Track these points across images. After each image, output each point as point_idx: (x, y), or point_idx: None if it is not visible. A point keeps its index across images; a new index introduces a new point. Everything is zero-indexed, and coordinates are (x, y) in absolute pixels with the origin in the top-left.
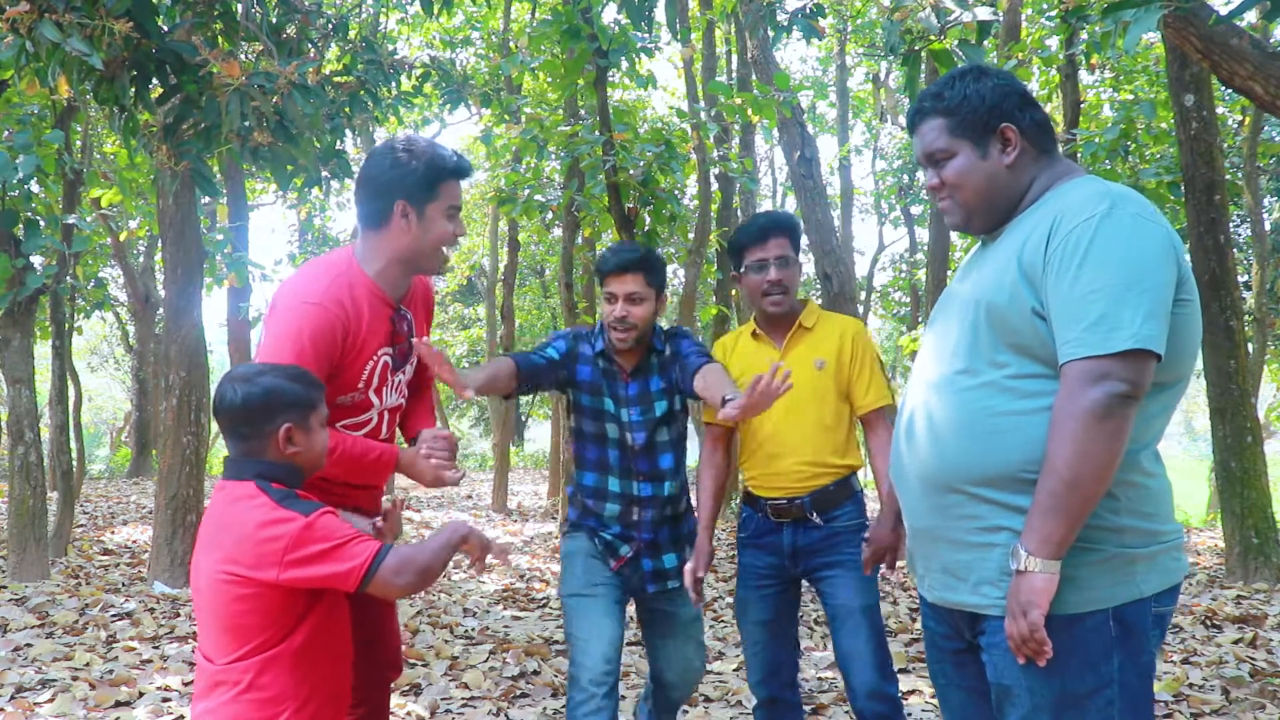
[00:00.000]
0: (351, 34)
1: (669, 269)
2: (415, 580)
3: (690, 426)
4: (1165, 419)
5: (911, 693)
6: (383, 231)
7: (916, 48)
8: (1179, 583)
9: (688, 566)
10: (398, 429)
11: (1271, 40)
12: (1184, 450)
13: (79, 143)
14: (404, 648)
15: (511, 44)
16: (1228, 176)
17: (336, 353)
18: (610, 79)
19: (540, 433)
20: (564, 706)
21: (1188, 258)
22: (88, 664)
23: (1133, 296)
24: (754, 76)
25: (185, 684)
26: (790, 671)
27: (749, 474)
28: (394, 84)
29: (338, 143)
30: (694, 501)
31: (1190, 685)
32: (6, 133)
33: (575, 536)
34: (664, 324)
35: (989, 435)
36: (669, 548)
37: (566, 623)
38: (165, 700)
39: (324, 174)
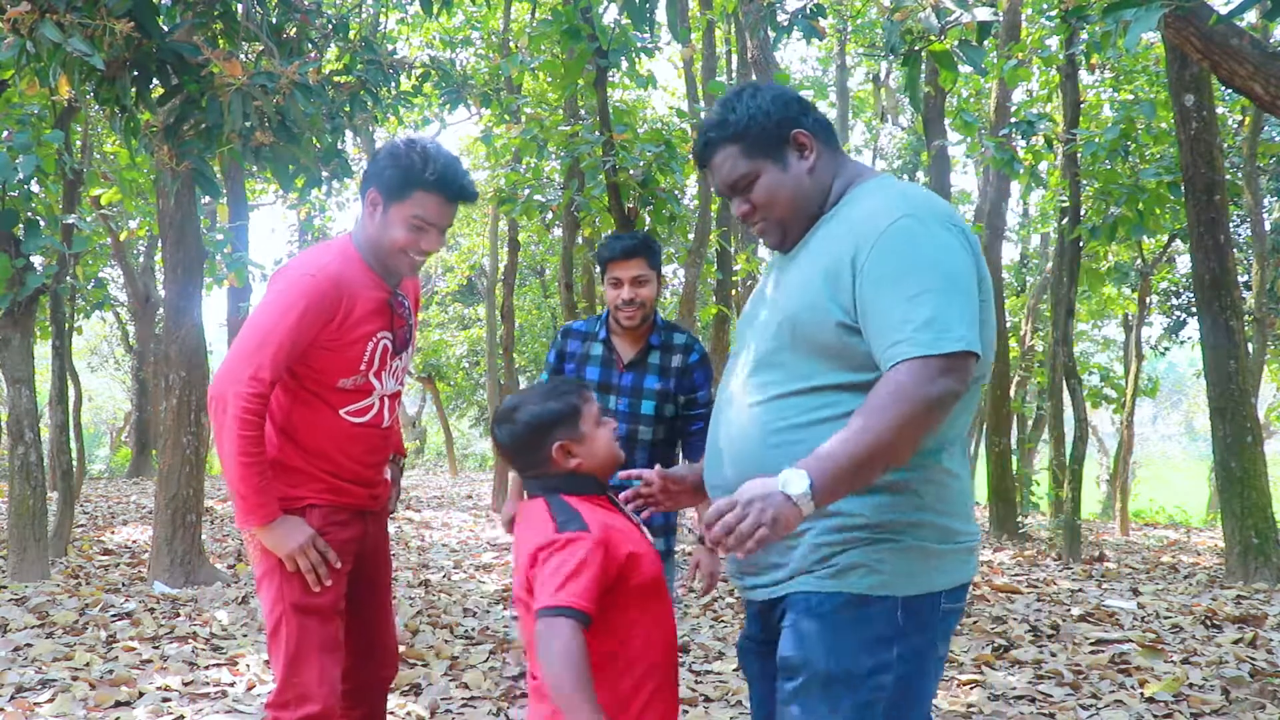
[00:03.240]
0: (351, 34)
1: (669, 269)
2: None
3: None
4: (965, 418)
5: None
6: (362, 216)
7: (916, 48)
8: (967, 582)
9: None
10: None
11: (1271, 40)
12: (1184, 450)
13: (79, 143)
14: (404, 648)
15: (511, 44)
16: (1228, 176)
17: (322, 324)
18: (610, 79)
19: None
20: None
21: (982, 258)
22: (88, 664)
23: (957, 299)
24: (754, 77)
25: (185, 684)
26: None
27: None
28: (394, 84)
29: (338, 143)
30: None
31: (1190, 685)
32: (6, 133)
33: None
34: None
35: (789, 445)
36: None
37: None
38: (165, 700)
39: (324, 174)
